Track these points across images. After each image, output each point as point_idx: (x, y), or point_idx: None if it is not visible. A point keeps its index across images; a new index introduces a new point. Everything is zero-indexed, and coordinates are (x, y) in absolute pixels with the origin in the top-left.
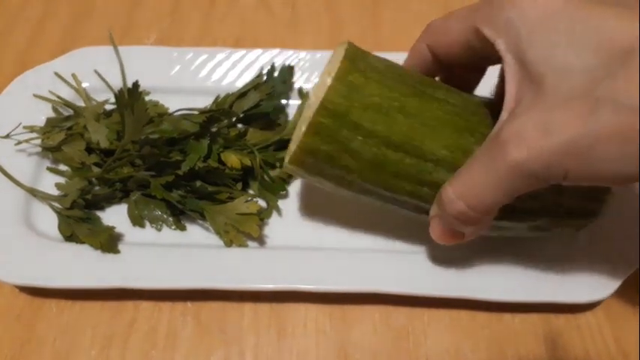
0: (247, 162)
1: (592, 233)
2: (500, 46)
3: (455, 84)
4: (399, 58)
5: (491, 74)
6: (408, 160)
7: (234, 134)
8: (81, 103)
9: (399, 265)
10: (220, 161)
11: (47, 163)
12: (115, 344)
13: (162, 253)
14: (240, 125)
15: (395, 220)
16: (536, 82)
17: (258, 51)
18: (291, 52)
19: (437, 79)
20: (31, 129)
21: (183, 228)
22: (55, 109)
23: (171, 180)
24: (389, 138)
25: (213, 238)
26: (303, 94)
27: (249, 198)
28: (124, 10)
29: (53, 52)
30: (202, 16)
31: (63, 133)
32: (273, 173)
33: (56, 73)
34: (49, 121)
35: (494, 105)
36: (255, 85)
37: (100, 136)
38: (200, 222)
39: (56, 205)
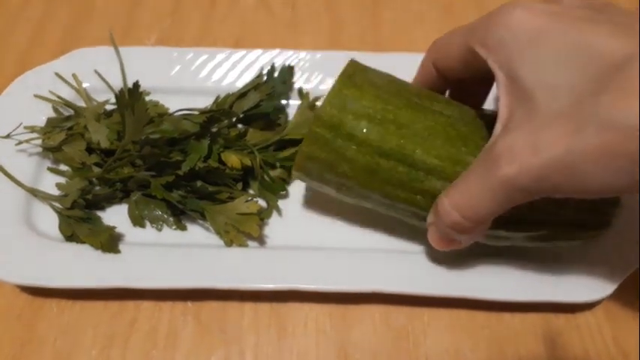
0: (247, 162)
1: None
2: (493, 64)
3: (464, 97)
4: (398, 58)
5: None
6: (400, 169)
7: (234, 134)
8: (81, 104)
9: (399, 265)
10: (220, 161)
11: (48, 163)
12: (116, 344)
13: (162, 253)
14: (240, 125)
15: (395, 220)
16: (526, 99)
17: (258, 51)
18: (291, 52)
19: (447, 92)
20: (32, 129)
21: (183, 228)
22: (55, 110)
23: (171, 180)
24: (381, 147)
25: (213, 238)
26: (303, 95)
27: (250, 198)
28: (124, 10)
29: (54, 52)
30: (202, 17)
31: (63, 134)
32: (273, 173)
33: (57, 74)
34: (50, 122)
35: (494, 117)
36: (256, 85)
37: (101, 136)
38: (200, 222)
39: (57, 205)
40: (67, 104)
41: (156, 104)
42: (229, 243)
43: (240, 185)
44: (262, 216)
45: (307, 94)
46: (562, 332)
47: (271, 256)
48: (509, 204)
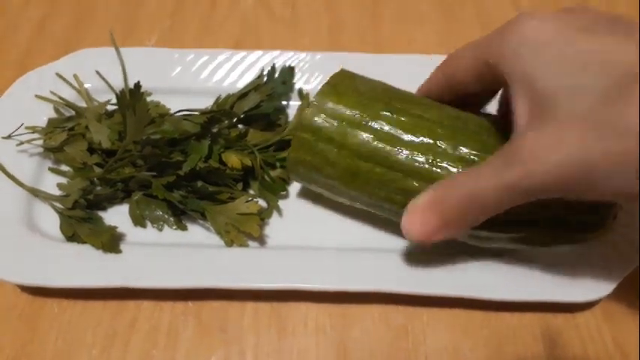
0: (248, 162)
1: None
2: (509, 73)
3: (464, 106)
4: (398, 58)
5: None
6: (377, 170)
7: (234, 135)
8: (83, 104)
9: (398, 264)
10: (221, 161)
11: (49, 164)
12: (117, 344)
13: (163, 252)
14: (240, 126)
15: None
16: (546, 104)
17: (259, 52)
18: (291, 53)
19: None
20: (33, 129)
21: (184, 228)
22: (56, 110)
23: (172, 180)
24: (359, 150)
25: (214, 238)
26: (303, 95)
27: (250, 198)
28: (125, 11)
29: (55, 53)
30: (203, 18)
31: (65, 134)
32: (274, 173)
33: (58, 74)
34: (51, 122)
35: (484, 119)
36: (256, 86)
37: (102, 136)
38: (201, 222)
39: (58, 205)
40: (69, 105)
41: (157, 105)
42: (230, 243)
43: (240, 185)
44: (263, 216)
45: (307, 94)
46: (561, 332)
47: (271, 256)
48: (518, 202)
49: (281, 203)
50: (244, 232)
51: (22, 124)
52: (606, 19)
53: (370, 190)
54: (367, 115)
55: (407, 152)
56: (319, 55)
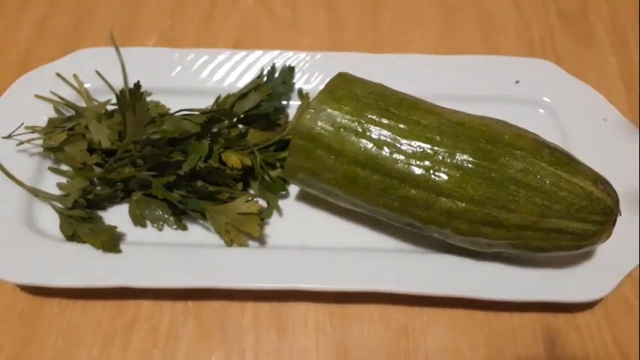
0: (248, 162)
1: None
2: None
3: None
4: (398, 58)
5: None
6: (375, 177)
7: (234, 135)
8: (82, 104)
9: (398, 264)
10: (221, 161)
11: (49, 163)
12: (117, 343)
13: (163, 252)
14: (240, 126)
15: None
16: None
17: (259, 52)
18: (291, 53)
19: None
20: (33, 129)
21: (184, 228)
22: (56, 110)
23: (172, 180)
24: (356, 157)
25: (214, 238)
26: (303, 95)
27: (250, 198)
28: (125, 11)
29: (55, 53)
30: (203, 18)
31: (65, 134)
32: (274, 173)
33: (58, 74)
34: (51, 122)
35: (484, 124)
36: (256, 86)
37: (102, 136)
38: (201, 222)
39: (58, 204)
40: (68, 105)
41: (157, 105)
42: (230, 243)
43: (240, 185)
44: (263, 216)
45: (307, 94)
46: (561, 331)
47: (271, 255)
48: None
49: (281, 203)
50: (244, 231)
51: (22, 124)
52: None
53: (368, 197)
54: (364, 121)
55: (404, 159)
56: (319, 55)
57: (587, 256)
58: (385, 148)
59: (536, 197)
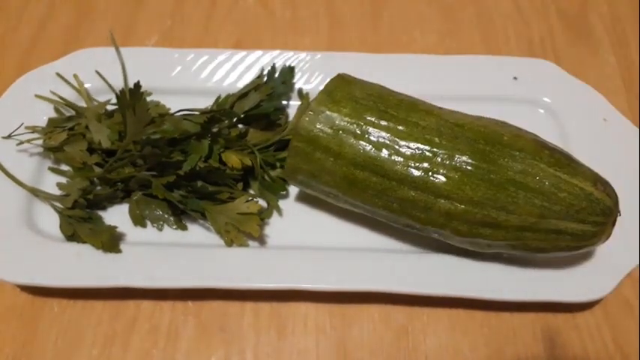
0: (248, 162)
1: None
2: None
3: None
4: (398, 58)
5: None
6: (374, 179)
7: (234, 134)
8: (83, 104)
9: (398, 264)
10: (221, 161)
11: (49, 163)
12: (117, 343)
13: (163, 252)
14: (240, 126)
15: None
16: None
17: (259, 52)
18: (291, 53)
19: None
20: (33, 129)
21: (184, 228)
22: (56, 110)
23: (172, 180)
24: (354, 159)
25: (214, 238)
26: (303, 95)
27: (250, 198)
28: (125, 11)
29: (55, 53)
30: (203, 18)
31: (65, 134)
32: (274, 173)
33: (58, 74)
34: (51, 122)
35: (483, 125)
36: (256, 86)
37: (102, 136)
38: (201, 222)
39: (58, 204)
40: (69, 104)
41: (157, 104)
42: (230, 243)
43: (240, 185)
44: (263, 216)
45: (307, 94)
46: (561, 331)
47: (271, 256)
48: None
49: (281, 203)
50: (244, 231)
51: (22, 124)
52: None
53: (367, 198)
54: (363, 123)
55: (403, 161)
56: (319, 55)
57: (587, 256)
58: (384, 150)
59: (536, 198)
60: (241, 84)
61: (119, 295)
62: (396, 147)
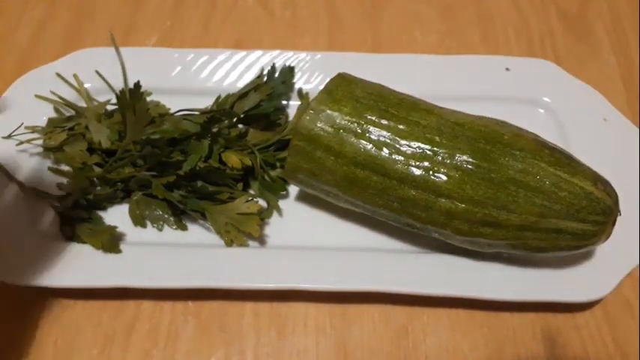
0: (248, 162)
1: None
2: None
3: None
4: (398, 58)
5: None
6: (374, 178)
7: (234, 134)
8: (82, 104)
9: (398, 264)
10: (221, 161)
11: (49, 164)
12: (117, 343)
13: (163, 252)
14: (240, 126)
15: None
16: None
17: (259, 52)
18: (291, 53)
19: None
20: (33, 129)
21: (184, 228)
22: (56, 110)
23: (172, 180)
24: (355, 158)
25: (214, 238)
26: (303, 95)
27: (250, 198)
28: (125, 11)
29: (55, 53)
30: (203, 18)
31: (65, 134)
32: (274, 173)
33: (58, 74)
34: (51, 122)
35: (484, 124)
36: (256, 86)
37: (102, 136)
38: (201, 222)
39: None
40: (68, 104)
41: (157, 104)
42: (230, 243)
43: (240, 185)
44: (263, 216)
45: (307, 94)
46: (561, 331)
47: (271, 256)
48: None
49: (281, 203)
50: (244, 231)
51: (22, 124)
52: None
53: (368, 197)
54: (364, 122)
55: (403, 160)
56: (319, 55)
57: (587, 256)
58: (384, 149)
59: (536, 198)
60: (241, 84)
61: (119, 295)
62: (397, 146)
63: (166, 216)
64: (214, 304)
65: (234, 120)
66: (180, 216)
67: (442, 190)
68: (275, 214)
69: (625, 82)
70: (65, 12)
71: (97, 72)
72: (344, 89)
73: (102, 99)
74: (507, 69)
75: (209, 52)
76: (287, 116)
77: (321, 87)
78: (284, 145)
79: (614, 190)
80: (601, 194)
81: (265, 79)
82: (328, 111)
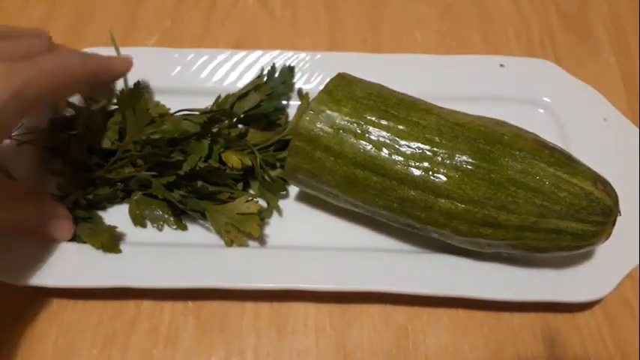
0: (248, 162)
1: None
2: None
3: None
4: (398, 58)
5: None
6: (374, 178)
7: (234, 134)
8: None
9: (398, 264)
10: (221, 161)
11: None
12: (117, 343)
13: (163, 252)
14: (240, 126)
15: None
16: None
17: (259, 52)
18: (291, 53)
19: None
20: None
21: (184, 228)
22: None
23: (172, 180)
24: (355, 159)
25: (214, 238)
26: (303, 95)
27: (250, 198)
28: (125, 11)
29: None
30: (203, 18)
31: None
32: (274, 173)
33: None
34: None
35: (483, 124)
36: (256, 85)
37: (102, 136)
38: (201, 222)
39: None
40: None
41: (157, 104)
42: (230, 243)
43: (240, 185)
44: (263, 216)
45: (307, 94)
46: (561, 331)
47: (271, 256)
48: None
49: (281, 203)
50: (244, 231)
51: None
52: None
53: (368, 198)
54: (364, 122)
55: (403, 161)
56: (319, 55)
57: (587, 256)
58: (384, 150)
59: (536, 198)
60: (241, 84)
61: (119, 295)
62: (397, 146)
63: (166, 216)
64: (214, 304)
65: (234, 120)
66: (180, 216)
67: (442, 190)
68: (275, 214)
69: (625, 82)
70: (65, 12)
71: None
72: (344, 89)
73: (102, 99)
74: (502, 65)
75: (209, 52)
76: (287, 116)
77: (321, 87)
78: (284, 145)
79: (614, 190)
80: (601, 194)
81: (265, 79)
82: (328, 111)
